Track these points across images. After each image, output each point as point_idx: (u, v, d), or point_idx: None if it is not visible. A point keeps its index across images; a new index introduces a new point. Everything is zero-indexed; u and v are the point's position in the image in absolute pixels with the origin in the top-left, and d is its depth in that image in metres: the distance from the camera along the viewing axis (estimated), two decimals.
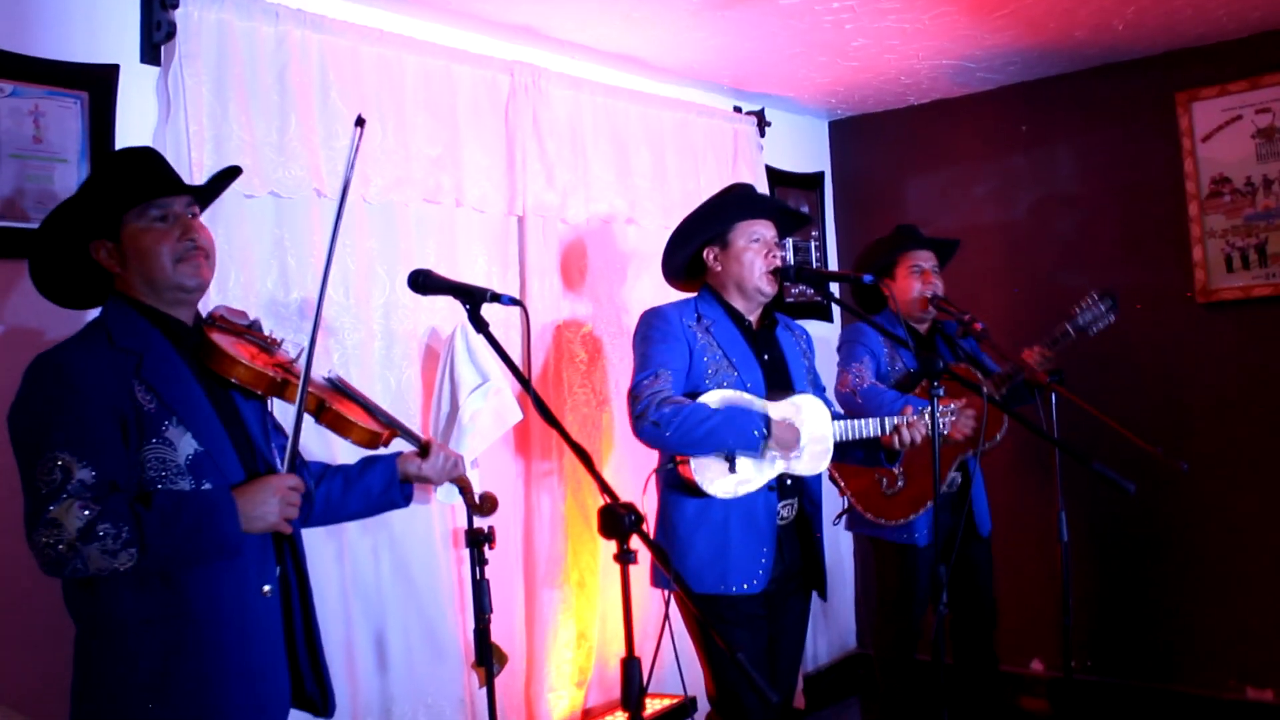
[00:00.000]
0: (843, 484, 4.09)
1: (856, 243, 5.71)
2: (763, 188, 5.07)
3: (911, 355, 4.03)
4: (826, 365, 4.03)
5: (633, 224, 4.41)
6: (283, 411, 2.53)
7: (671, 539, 3.19)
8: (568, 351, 4.11)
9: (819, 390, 3.44)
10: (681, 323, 3.25)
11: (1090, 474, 3.11)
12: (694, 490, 3.14)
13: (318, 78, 3.33)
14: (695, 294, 3.39)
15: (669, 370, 3.16)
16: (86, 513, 2.02)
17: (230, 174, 2.46)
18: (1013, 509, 5.00)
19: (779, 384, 3.27)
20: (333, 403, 2.45)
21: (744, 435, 3.07)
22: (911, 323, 4.09)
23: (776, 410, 3.17)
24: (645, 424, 3.08)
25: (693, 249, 3.38)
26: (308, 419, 2.40)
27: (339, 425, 2.46)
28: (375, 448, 2.55)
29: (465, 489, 2.81)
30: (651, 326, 3.27)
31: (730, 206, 3.35)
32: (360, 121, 2.37)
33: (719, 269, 3.33)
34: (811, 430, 3.23)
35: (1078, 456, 3.30)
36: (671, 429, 3.04)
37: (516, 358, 3.59)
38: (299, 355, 2.45)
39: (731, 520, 3.15)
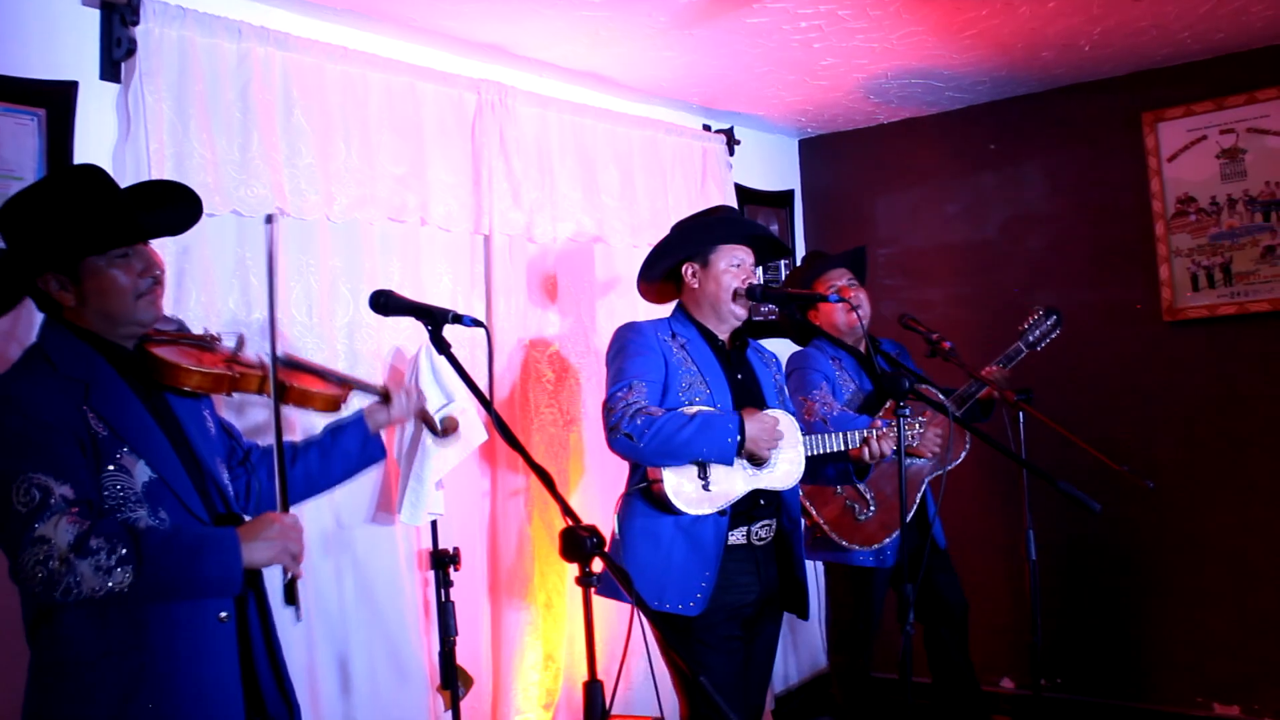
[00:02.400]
0: (814, 512, 4.00)
1: None
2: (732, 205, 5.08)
3: (864, 375, 4.02)
4: None
5: (600, 243, 4.38)
6: (237, 412, 2.48)
7: (615, 545, 3.17)
8: (534, 371, 4.08)
9: (791, 411, 3.42)
10: (657, 336, 3.24)
11: (1057, 493, 3.11)
12: (667, 508, 3.11)
13: (281, 95, 3.30)
14: (670, 313, 3.38)
15: (644, 382, 3.13)
16: (76, 526, 1.96)
17: (192, 210, 2.41)
18: (981, 528, 5.01)
19: (750, 404, 3.25)
20: (292, 381, 2.45)
21: (718, 442, 3.04)
22: (852, 343, 4.05)
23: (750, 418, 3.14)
24: (619, 436, 3.06)
25: (673, 262, 3.36)
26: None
27: (304, 400, 2.47)
28: (338, 410, 2.58)
29: (428, 422, 2.87)
30: (626, 340, 3.24)
31: (717, 227, 3.34)
32: (269, 219, 2.41)
33: (695, 286, 3.32)
34: (785, 439, 3.21)
35: (1044, 476, 3.31)
36: (645, 440, 3.02)
37: (481, 377, 3.56)
38: (237, 344, 2.47)
39: (677, 540, 3.12)
